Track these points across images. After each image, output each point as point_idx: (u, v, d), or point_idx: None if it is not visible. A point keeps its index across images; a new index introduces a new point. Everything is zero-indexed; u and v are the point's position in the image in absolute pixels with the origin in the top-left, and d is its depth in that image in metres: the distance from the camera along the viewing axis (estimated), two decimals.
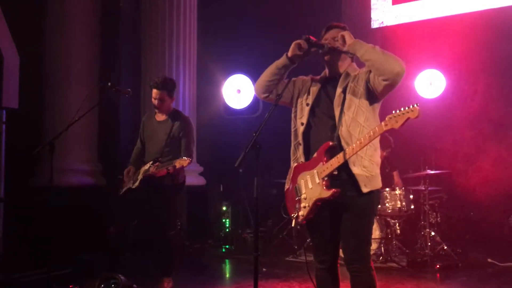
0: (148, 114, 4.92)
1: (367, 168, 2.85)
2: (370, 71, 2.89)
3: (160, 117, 4.68)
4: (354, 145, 2.78)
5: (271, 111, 3.02)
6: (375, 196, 2.95)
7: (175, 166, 4.24)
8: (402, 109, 2.63)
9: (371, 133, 2.73)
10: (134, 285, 4.35)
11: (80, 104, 4.65)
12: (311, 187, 2.91)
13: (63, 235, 5.51)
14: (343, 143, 2.86)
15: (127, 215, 4.61)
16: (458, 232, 6.69)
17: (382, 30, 7.77)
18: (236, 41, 8.14)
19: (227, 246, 7.10)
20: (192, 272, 5.63)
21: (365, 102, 2.90)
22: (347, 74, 3.01)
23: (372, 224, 3.03)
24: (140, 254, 6.03)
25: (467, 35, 6.99)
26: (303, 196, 2.94)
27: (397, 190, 5.97)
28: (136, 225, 4.73)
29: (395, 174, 6.40)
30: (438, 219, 6.20)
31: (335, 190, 2.83)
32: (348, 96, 2.92)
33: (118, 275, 4.33)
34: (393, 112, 2.65)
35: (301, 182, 2.97)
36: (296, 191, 2.99)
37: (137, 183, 4.52)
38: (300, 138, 3.03)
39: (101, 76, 7.05)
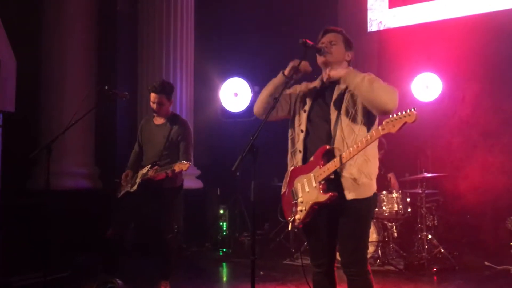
0: (146, 118, 4.92)
1: (354, 175, 2.84)
2: None
3: (159, 120, 4.68)
4: (351, 148, 2.79)
5: (268, 114, 3.03)
6: (372, 200, 2.95)
7: (174, 170, 4.24)
8: (399, 113, 2.63)
9: (368, 137, 2.74)
10: None
11: (77, 107, 4.65)
12: (307, 190, 2.91)
13: (60, 238, 5.50)
14: (336, 149, 2.86)
15: (125, 219, 4.61)
16: (455, 235, 6.69)
17: (378, 33, 7.79)
18: (233, 45, 8.15)
19: (224, 249, 7.09)
20: (189, 275, 5.63)
21: (361, 108, 2.91)
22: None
23: (369, 227, 3.03)
24: (137, 257, 6.02)
25: (463, 38, 7.01)
26: (299, 199, 2.94)
27: (394, 193, 5.99)
28: (134, 228, 4.73)
29: (391, 176, 6.40)
30: (435, 222, 6.20)
31: (332, 194, 2.83)
32: (345, 102, 2.93)
33: (115, 278, 4.32)
34: (390, 116, 2.66)
35: (297, 185, 2.97)
36: (293, 194, 2.99)
37: (135, 187, 4.52)
38: (300, 146, 3.02)
39: (98, 79, 7.05)
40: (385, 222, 6.03)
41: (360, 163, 2.86)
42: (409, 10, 7.52)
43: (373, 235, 5.77)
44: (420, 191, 5.99)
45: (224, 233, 7.33)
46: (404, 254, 5.90)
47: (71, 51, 6.84)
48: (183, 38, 7.47)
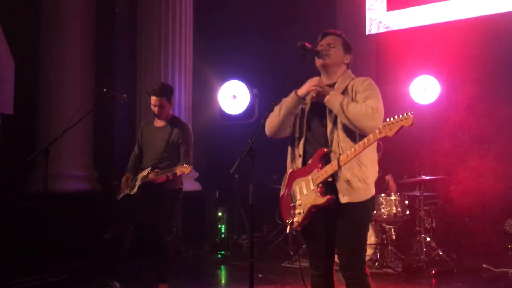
0: (146, 120, 4.92)
1: (348, 179, 2.84)
2: (357, 94, 2.92)
3: (159, 123, 4.68)
4: (348, 152, 2.79)
5: (266, 117, 3.03)
6: (369, 203, 2.95)
7: (175, 173, 4.24)
8: (396, 117, 2.63)
9: (365, 141, 2.74)
10: None
11: (75, 110, 4.65)
12: (306, 193, 2.91)
13: (58, 241, 5.49)
14: (333, 153, 2.87)
15: (124, 221, 4.61)
16: (453, 238, 6.69)
17: (377, 36, 7.80)
18: (231, 47, 8.15)
19: (222, 252, 7.08)
20: (187, 278, 5.61)
21: None
22: (342, 81, 3.02)
23: (367, 230, 3.03)
24: (136, 260, 6.01)
25: (462, 41, 7.02)
26: (298, 202, 2.94)
27: (393, 195, 5.99)
28: (133, 231, 4.72)
29: (389, 178, 6.41)
30: (434, 224, 6.20)
31: (330, 197, 2.83)
32: None
33: (113, 281, 4.31)
34: (387, 120, 2.66)
35: (296, 188, 2.97)
36: (291, 197, 2.99)
37: (135, 189, 4.51)
38: (300, 150, 3.03)
39: (97, 81, 7.05)
40: (384, 225, 6.03)
41: (354, 167, 2.85)
42: (408, 13, 7.54)
43: (371, 238, 5.77)
44: (419, 194, 5.99)
45: (223, 236, 7.33)
46: (403, 256, 5.90)
47: (69, 53, 6.84)
48: (181, 40, 7.47)
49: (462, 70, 7.09)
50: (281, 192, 3.10)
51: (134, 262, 5.92)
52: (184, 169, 4.20)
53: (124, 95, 4.78)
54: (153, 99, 4.56)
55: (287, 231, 2.99)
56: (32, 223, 5.54)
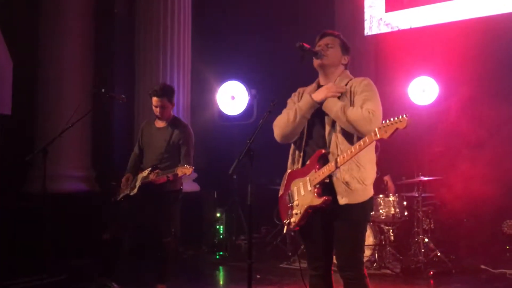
0: (147, 121, 4.92)
1: (346, 180, 2.85)
2: (355, 95, 2.93)
3: (160, 123, 4.68)
4: (345, 153, 2.79)
5: (265, 117, 3.03)
6: (367, 204, 2.95)
7: (177, 174, 4.24)
8: (391, 119, 2.63)
9: (361, 143, 2.74)
10: None
11: (74, 110, 4.65)
12: (303, 194, 2.91)
13: (56, 241, 5.49)
14: (331, 154, 2.88)
15: (124, 221, 4.60)
16: (451, 239, 6.70)
17: (375, 37, 7.80)
18: (230, 48, 8.15)
19: (221, 253, 7.08)
20: (185, 279, 5.61)
21: None
22: (340, 82, 3.03)
23: (365, 231, 3.03)
24: (134, 260, 6.01)
25: (461, 42, 7.02)
26: (295, 202, 2.94)
27: (391, 196, 5.99)
28: (132, 231, 4.71)
29: (387, 178, 6.41)
30: (432, 225, 6.20)
31: (326, 198, 2.83)
32: None
33: (112, 282, 4.31)
34: (383, 122, 2.66)
35: (294, 188, 2.98)
36: (289, 197, 2.99)
37: (135, 190, 4.51)
38: (300, 151, 3.03)
39: (95, 82, 7.05)
40: (382, 226, 6.03)
41: (352, 169, 2.86)
42: (407, 14, 7.54)
43: (369, 239, 5.77)
44: (417, 195, 5.99)
45: (221, 237, 7.32)
46: (401, 257, 5.90)
47: (68, 53, 6.84)
48: (180, 41, 7.48)
49: (461, 71, 7.09)
50: (280, 192, 3.11)
51: (133, 262, 5.92)
52: (185, 170, 4.20)
53: (123, 96, 4.78)
54: (155, 100, 4.55)
55: (284, 231, 3.00)
56: (30, 223, 5.54)
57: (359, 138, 2.84)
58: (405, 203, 6.04)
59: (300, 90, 3.20)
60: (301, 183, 2.94)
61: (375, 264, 5.73)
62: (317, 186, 2.86)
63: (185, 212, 6.85)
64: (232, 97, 7.48)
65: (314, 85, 3.14)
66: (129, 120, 7.37)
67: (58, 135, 4.25)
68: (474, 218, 6.90)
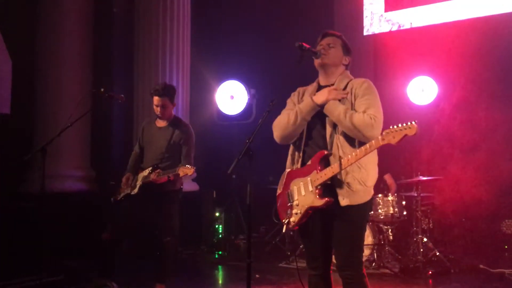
0: (148, 120, 4.91)
1: (348, 182, 2.85)
2: (356, 98, 2.93)
3: (161, 123, 4.67)
4: (349, 156, 2.79)
5: (264, 117, 3.02)
6: (368, 205, 2.96)
7: (178, 174, 4.23)
8: (400, 125, 2.64)
9: (367, 146, 2.75)
10: None
11: (72, 110, 4.64)
12: (304, 194, 2.91)
13: (55, 241, 5.48)
14: (333, 155, 2.88)
15: (124, 221, 4.59)
16: (450, 238, 6.71)
17: (374, 37, 7.81)
18: (229, 47, 8.15)
19: (220, 252, 7.08)
20: (185, 278, 5.60)
21: None
22: (340, 82, 3.03)
23: (365, 231, 3.04)
24: (133, 260, 6.00)
25: (459, 42, 7.03)
26: (295, 202, 2.94)
27: (390, 196, 5.99)
28: (132, 231, 4.70)
29: (387, 177, 6.41)
30: (431, 225, 6.21)
31: (328, 200, 2.83)
32: None
33: (111, 281, 4.30)
34: (391, 127, 2.67)
35: (294, 188, 2.97)
36: (288, 197, 2.99)
37: (136, 189, 4.50)
38: (300, 151, 3.04)
39: (94, 81, 7.04)
40: (381, 225, 6.04)
41: (354, 170, 2.86)
42: (405, 14, 7.54)
43: (368, 238, 5.77)
44: (416, 194, 6.00)
45: (220, 236, 7.32)
46: (400, 257, 5.91)
47: (67, 53, 6.83)
48: (179, 40, 7.47)
49: (460, 71, 7.10)
50: (278, 191, 3.10)
51: (132, 262, 5.91)
52: (187, 170, 4.19)
53: (122, 95, 4.76)
54: (156, 99, 4.54)
55: (284, 231, 3.00)
56: (29, 223, 5.53)
57: (360, 141, 2.85)
58: (404, 202, 6.04)
59: (300, 89, 3.20)
60: (301, 183, 2.93)
61: (374, 263, 5.74)
62: (319, 187, 2.86)
63: (184, 211, 6.87)
64: (231, 97, 7.47)
65: (314, 84, 3.14)
66: (128, 119, 7.36)
67: (57, 135, 4.24)
68: (472, 218, 6.91)
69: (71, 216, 6.17)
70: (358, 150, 2.77)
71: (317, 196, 2.85)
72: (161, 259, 4.58)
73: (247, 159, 2.94)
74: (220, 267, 6.52)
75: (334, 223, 2.92)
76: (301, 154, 3.03)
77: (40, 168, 4.15)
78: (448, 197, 7.08)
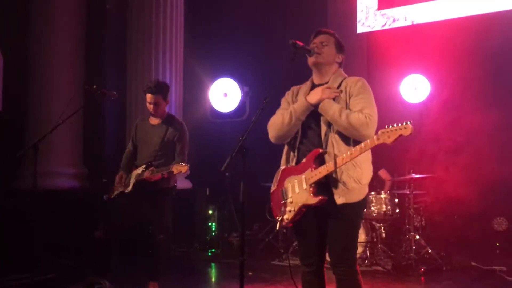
0: (141, 117, 4.89)
1: (344, 180, 2.86)
2: (350, 97, 2.93)
3: (154, 120, 4.65)
4: (344, 155, 2.80)
5: (257, 114, 3.02)
6: (363, 202, 2.98)
7: (172, 172, 4.22)
8: (395, 125, 2.65)
9: (362, 145, 2.76)
10: None
11: (65, 107, 4.61)
12: (298, 192, 2.91)
13: (47, 239, 5.45)
14: (328, 154, 2.88)
15: (118, 219, 4.57)
16: (442, 236, 6.74)
17: (367, 35, 7.82)
18: (223, 45, 8.14)
19: (213, 250, 7.08)
20: (178, 276, 5.60)
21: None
22: (334, 80, 3.03)
23: (359, 228, 3.05)
24: (126, 258, 5.98)
25: (453, 40, 7.05)
26: (289, 200, 2.95)
27: (382, 194, 6.02)
28: (125, 229, 4.68)
29: (382, 172, 6.43)
30: (423, 222, 6.24)
31: (322, 198, 2.84)
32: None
33: (103, 279, 4.29)
34: (386, 127, 2.68)
35: (288, 185, 2.98)
36: (283, 194, 2.99)
37: (130, 187, 4.49)
38: (294, 149, 3.04)
39: (87, 78, 7.00)
40: (374, 223, 6.06)
41: (349, 168, 2.87)
42: (399, 12, 7.56)
43: (361, 236, 5.79)
44: (408, 192, 6.02)
45: (213, 234, 7.32)
46: (392, 254, 5.93)
47: (59, 50, 6.79)
48: (172, 38, 7.45)
49: (453, 69, 7.13)
50: (272, 188, 3.10)
51: (125, 259, 5.89)
52: (181, 167, 4.18)
53: (114, 92, 4.73)
54: (149, 96, 4.53)
55: (277, 228, 3.01)
56: (21, 220, 5.49)
57: (355, 139, 2.85)
58: (396, 200, 6.07)
59: (294, 88, 3.19)
60: (295, 180, 2.94)
61: (366, 261, 5.76)
62: (313, 185, 2.86)
63: (177, 209, 6.86)
64: (224, 94, 7.46)
65: (308, 83, 3.14)
66: (120, 117, 7.33)
67: (49, 132, 4.21)
68: (464, 215, 6.95)
69: (63, 214, 6.14)
70: (353, 149, 2.78)
71: (311, 194, 2.85)
72: (154, 256, 4.57)
73: (241, 157, 2.95)
74: (213, 264, 6.52)
75: (329, 221, 2.92)
76: (296, 153, 3.03)
77: (32, 165, 4.12)
78: (441, 195, 7.11)
